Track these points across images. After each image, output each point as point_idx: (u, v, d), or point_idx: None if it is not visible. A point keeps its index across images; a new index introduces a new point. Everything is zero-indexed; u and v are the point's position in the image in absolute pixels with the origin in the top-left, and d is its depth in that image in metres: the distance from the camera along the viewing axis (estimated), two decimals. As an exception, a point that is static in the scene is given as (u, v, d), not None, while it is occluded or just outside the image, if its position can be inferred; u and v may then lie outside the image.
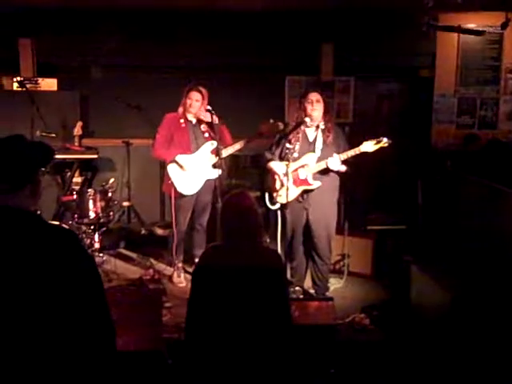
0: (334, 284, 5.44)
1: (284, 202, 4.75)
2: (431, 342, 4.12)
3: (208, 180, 5.26)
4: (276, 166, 4.84)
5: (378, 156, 4.70)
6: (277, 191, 4.84)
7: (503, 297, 3.98)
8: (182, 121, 5.22)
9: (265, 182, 5.08)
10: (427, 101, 7.13)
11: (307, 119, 4.73)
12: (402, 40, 7.05)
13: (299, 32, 6.89)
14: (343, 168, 4.72)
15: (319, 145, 4.78)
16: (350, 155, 4.65)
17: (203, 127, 5.28)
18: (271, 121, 5.16)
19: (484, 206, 5.14)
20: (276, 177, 4.85)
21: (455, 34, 6.90)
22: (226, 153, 5.14)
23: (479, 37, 6.92)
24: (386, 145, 4.61)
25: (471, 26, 6.89)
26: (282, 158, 4.86)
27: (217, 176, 5.05)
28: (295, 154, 4.74)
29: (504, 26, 6.66)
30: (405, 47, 7.10)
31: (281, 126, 5.07)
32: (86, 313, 1.94)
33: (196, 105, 5.16)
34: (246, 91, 7.06)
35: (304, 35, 6.93)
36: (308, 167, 4.76)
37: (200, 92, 5.15)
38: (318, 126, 4.81)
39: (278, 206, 4.83)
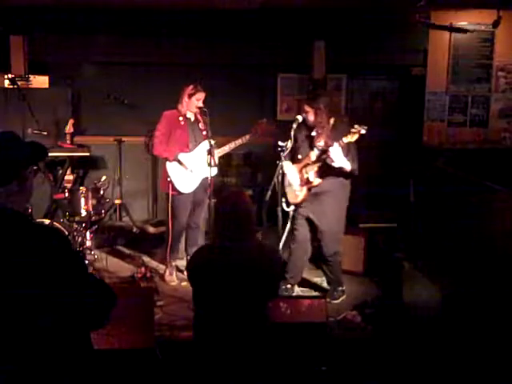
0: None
1: (295, 202, 4.90)
2: (423, 340, 4.13)
3: (204, 178, 5.26)
4: (286, 166, 4.89)
5: (370, 153, 4.67)
6: (288, 193, 4.95)
7: (494, 295, 4.00)
8: (180, 118, 5.21)
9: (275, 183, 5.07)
10: (419, 98, 7.16)
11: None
12: (394, 38, 7.06)
13: (291, 30, 6.88)
14: (347, 165, 4.64)
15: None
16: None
17: (201, 125, 5.28)
18: (265, 120, 5.21)
19: (475, 204, 5.16)
20: (285, 178, 4.93)
21: (447, 33, 6.94)
22: (219, 153, 5.16)
23: (471, 35, 6.95)
24: (364, 131, 4.49)
25: (463, 24, 6.92)
26: (292, 156, 4.91)
27: (213, 174, 5.05)
28: (299, 156, 4.83)
29: (496, 24, 6.68)
30: (397, 45, 7.10)
31: (274, 124, 5.08)
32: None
33: (201, 104, 5.18)
34: (238, 89, 7.05)
35: (296, 33, 6.92)
36: (309, 165, 4.78)
37: (204, 92, 5.18)
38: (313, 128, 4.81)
39: (292, 207, 4.95)
